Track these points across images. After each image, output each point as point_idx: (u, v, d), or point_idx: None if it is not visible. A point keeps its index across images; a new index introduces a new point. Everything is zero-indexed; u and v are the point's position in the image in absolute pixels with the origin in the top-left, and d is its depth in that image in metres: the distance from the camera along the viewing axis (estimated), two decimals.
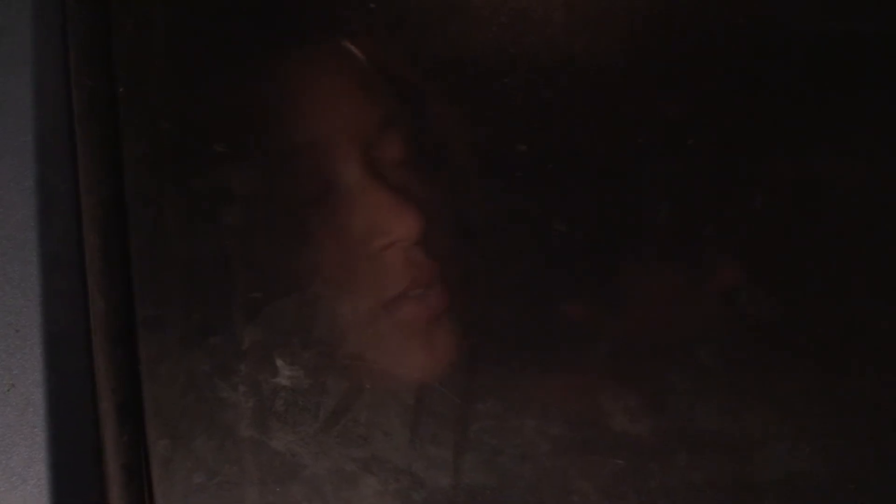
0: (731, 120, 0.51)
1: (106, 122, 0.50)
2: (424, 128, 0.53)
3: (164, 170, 0.51)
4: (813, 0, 0.50)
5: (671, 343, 0.50)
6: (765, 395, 0.50)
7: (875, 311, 0.50)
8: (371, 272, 0.52)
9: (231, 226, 0.51)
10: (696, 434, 0.50)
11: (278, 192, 0.52)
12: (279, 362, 0.51)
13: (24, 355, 0.51)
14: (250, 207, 0.51)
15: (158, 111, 0.51)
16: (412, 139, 0.53)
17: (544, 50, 0.50)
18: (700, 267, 0.50)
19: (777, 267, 0.50)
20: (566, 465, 0.50)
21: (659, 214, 0.50)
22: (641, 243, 0.51)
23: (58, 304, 0.51)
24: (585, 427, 0.50)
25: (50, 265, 0.51)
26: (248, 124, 0.52)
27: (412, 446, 0.50)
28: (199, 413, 0.50)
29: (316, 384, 0.51)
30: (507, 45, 0.50)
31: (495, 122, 0.51)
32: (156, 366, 0.51)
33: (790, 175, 0.51)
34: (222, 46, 0.52)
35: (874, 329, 0.50)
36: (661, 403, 0.50)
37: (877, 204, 0.50)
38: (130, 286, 0.51)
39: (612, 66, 0.50)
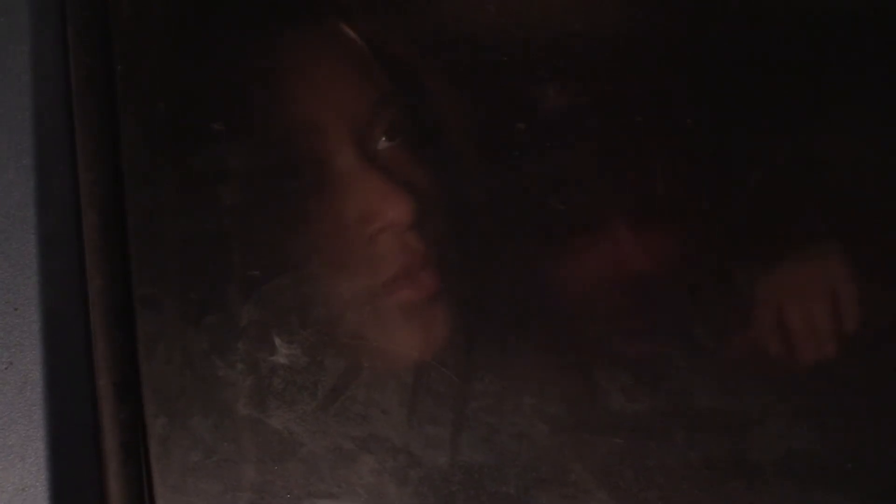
0: (728, 98, 0.51)
1: (104, 99, 0.51)
2: (420, 109, 0.53)
3: (162, 148, 0.51)
4: None
5: (669, 321, 0.50)
6: (762, 374, 0.50)
7: (871, 287, 0.50)
8: (365, 255, 0.52)
9: (229, 204, 0.51)
10: (694, 413, 0.50)
11: (275, 174, 0.52)
12: (277, 341, 0.51)
13: (22, 333, 0.51)
14: (248, 186, 0.51)
15: (156, 89, 0.51)
16: (408, 121, 0.53)
17: (542, 28, 0.50)
18: (697, 244, 0.51)
19: (773, 245, 0.50)
20: (563, 443, 0.50)
21: (657, 192, 0.50)
22: (639, 221, 0.51)
23: (56, 283, 0.51)
24: (583, 406, 0.50)
25: (48, 243, 0.51)
26: (246, 104, 0.52)
27: (410, 425, 0.50)
28: (197, 391, 0.50)
29: (314, 363, 0.51)
30: (504, 24, 0.50)
31: (493, 100, 0.51)
32: (153, 344, 0.51)
33: (787, 153, 0.51)
34: (220, 25, 0.52)
35: (871, 305, 0.50)
36: (658, 382, 0.50)
37: (873, 182, 0.50)
38: (128, 264, 0.51)
39: (609, 43, 0.50)
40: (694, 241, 0.51)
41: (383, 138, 0.52)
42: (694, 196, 0.50)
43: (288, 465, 0.50)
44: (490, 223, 0.51)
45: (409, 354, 0.51)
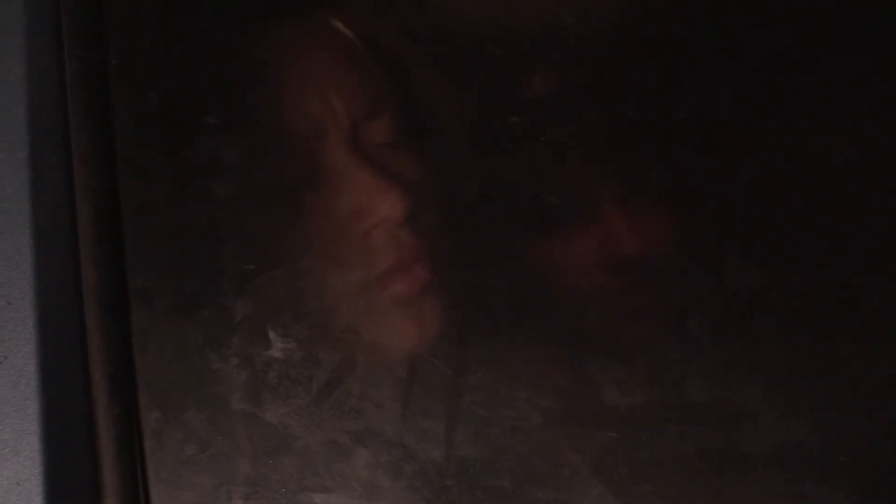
0: (721, 89, 0.51)
1: (98, 92, 0.50)
2: (414, 104, 0.53)
3: (156, 141, 0.51)
4: None
5: (662, 314, 0.50)
6: (755, 367, 0.50)
7: (864, 280, 0.50)
8: (359, 249, 0.52)
9: (223, 197, 0.51)
10: (687, 406, 0.50)
11: (269, 168, 0.52)
12: (271, 334, 0.51)
13: (16, 327, 0.51)
14: (242, 179, 0.51)
15: (151, 82, 0.51)
16: (401, 117, 0.53)
17: (535, 21, 0.50)
18: (691, 238, 0.51)
19: (767, 237, 0.50)
20: (557, 436, 0.50)
21: (650, 185, 0.50)
22: (632, 214, 0.51)
23: (50, 276, 0.51)
24: (576, 399, 0.50)
25: (42, 237, 0.51)
26: (239, 98, 0.52)
27: (404, 419, 0.50)
28: (191, 385, 0.50)
29: (308, 357, 0.51)
30: (497, 16, 0.50)
31: (485, 94, 0.51)
32: (148, 338, 0.51)
33: (779, 146, 0.51)
34: (213, 18, 0.52)
35: (864, 299, 0.50)
36: (652, 375, 0.50)
37: (864, 174, 0.50)
38: (122, 258, 0.51)
39: (601, 36, 0.50)
40: (688, 235, 0.51)
41: (376, 133, 0.53)
42: (688, 189, 0.50)
43: (282, 459, 0.50)
44: (483, 217, 0.51)
45: (403, 348, 0.51)
